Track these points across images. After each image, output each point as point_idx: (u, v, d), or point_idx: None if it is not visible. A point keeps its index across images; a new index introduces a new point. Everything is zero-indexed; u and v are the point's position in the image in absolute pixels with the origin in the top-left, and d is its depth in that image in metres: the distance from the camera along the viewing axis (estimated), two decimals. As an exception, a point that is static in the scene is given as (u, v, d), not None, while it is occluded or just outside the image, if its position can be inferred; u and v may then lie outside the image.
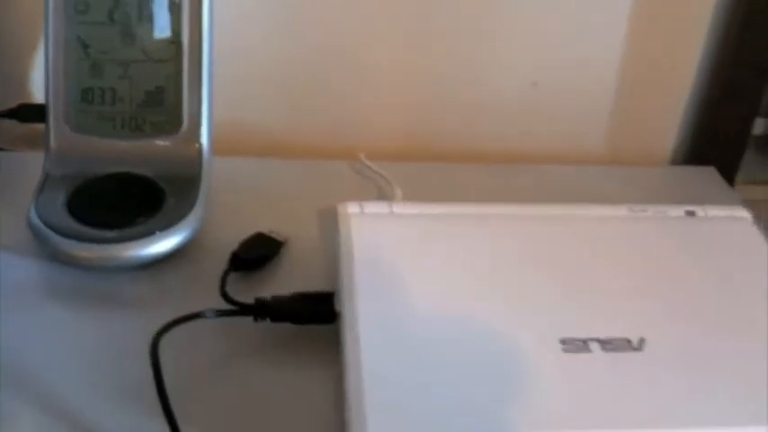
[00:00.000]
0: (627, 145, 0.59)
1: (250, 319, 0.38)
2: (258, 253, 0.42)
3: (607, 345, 0.34)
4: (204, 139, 0.45)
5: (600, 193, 0.51)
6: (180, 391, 0.34)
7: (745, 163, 0.54)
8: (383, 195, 0.49)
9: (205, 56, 0.44)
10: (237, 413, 0.35)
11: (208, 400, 0.36)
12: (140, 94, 0.45)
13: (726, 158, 0.55)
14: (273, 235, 0.44)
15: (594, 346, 0.34)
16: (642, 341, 0.35)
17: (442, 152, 0.56)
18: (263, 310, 0.37)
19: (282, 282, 0.42)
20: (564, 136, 0.58)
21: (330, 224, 0.43)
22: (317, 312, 0.37)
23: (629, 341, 0.35)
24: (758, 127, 0.52)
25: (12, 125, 0.49)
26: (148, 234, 0.41)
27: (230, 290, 0.39)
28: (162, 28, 0.44)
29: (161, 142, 0.45)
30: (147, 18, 0.44)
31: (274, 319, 0.37)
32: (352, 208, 0.41)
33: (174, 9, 0.44)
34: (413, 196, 0.47)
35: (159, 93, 0.45)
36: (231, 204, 0.47)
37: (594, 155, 0.59)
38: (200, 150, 0.45)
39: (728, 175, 0.55)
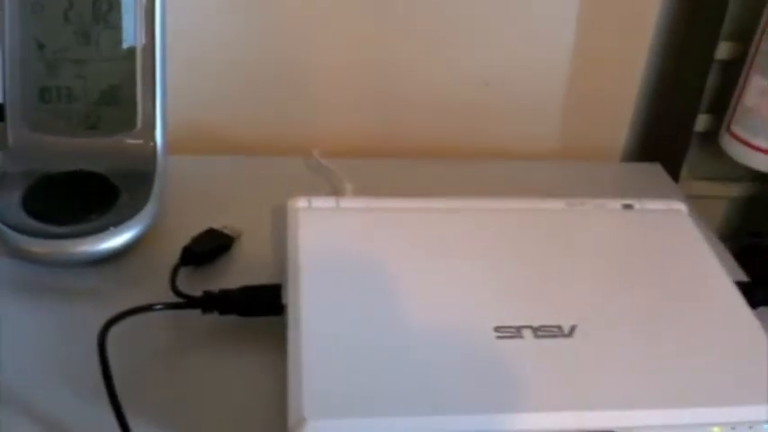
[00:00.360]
0: (579, 142, 0.61)
1: (200, 312, 0.39)
2: (209, 247, 0.43)
3: (539, 331, 0.36)
4: (158, 137, 0.46)
5: (546, 188, 0.53)
6: (130, 382, 0.35)
7: (691, 159, 0.56)
8: (336, 191, 0.50)
9: (158, 54, 0.45)
10: (186, 402, 0.36)
11: (158, 390, 0.37)
12: (95, 93, 0.46)
13: (671, 155, 0.56)
14: (226, 230, 0.45)
15: (527, 332, 0.36)
16: (573, 328, 0.36)
17: (396, 149, 0.58)
18: (210, 302, 0.38)
19: (235, 276, 0.43)
20: (517, 134, 0.60)
21: (282, 220, 0.44)
22: (264, 305, 0.39)
23: (560, 328, 0.36)
24: (701, 124, 0.54)
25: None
26: (102, 230, 0.42)
27: (183, 284, 0.40)
28: (116, 27, 0.45)
29: (116, 140, 0.46)
30: (102, 18, 0.45)
31: (222, 312, 0.39)
32: (300, 203, 0.42)
33: (128, 9, 0.45)
34: (365, 192, 0.48)
35: (114, 91, 0.46)
36: (187, 202, 0.48)
37: (548, 152, 0.61)
38: (154, 148, 0.46)
39: (674, 171, 0.56)
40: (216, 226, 0.45)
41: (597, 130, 0.60)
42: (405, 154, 0.57)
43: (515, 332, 0.36)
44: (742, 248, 0.50)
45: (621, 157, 0.62)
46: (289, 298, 0.37)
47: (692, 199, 0.55)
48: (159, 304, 0.37)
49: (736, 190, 0.58)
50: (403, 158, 0.55)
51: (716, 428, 0.34)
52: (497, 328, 0.36)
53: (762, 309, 0.42)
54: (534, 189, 0.51)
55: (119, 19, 0.45)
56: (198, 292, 0.39)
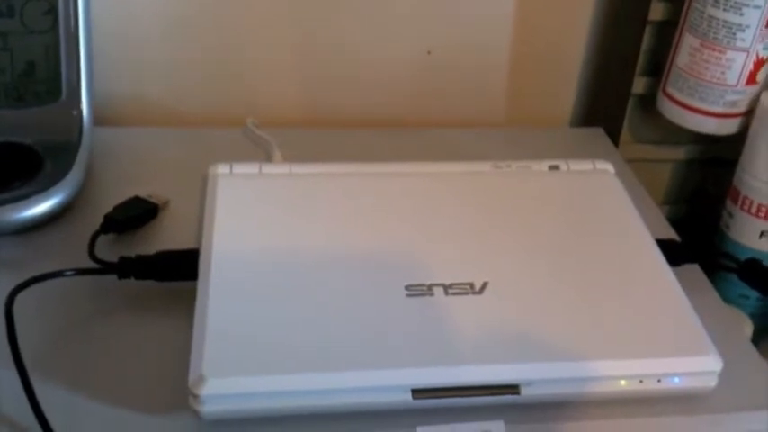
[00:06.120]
0: (528, 108, 0.60)
1: (117, 278, 0.39)
2: (131, 214, 0.43)
3: (450, 289, 0.36)
4: (84, 108, 0.46)
5: (486, 156, 0.52)
6: (44, 351, 0.35)
7: (632, 123, 0.56)
8: (269, 160, 0.50)
9: (81, 25, 0.45)
10: (99, 369, 0.36)
11: (71, 357, 0.36)
12: (20, 65, 0.46)
13: (612, 119, 0.56)
14: (152, 199, 0.45)
15: (438, 290, 0.36)
16: (485, 285, 0.36)
17: (339, 120, 0.58)
18: (126, 268, 0.38)
19: (161, 244, 0.42)
20: (463, 102, 0.59)
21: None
22: (181, 269, 0.38)
23: (471, 285, 0.36)
24: (640, 86, 0.54)
25: None
26: (24, 197, 0.42)
27: (108, 253, 0.40)
28: (39, -1, 0.45)
29: (41, 111, 0.46)
30: (25, -11, 0.45)
31: (138, 277, 0.39)
32: (221, 169, 0.42)
33: (51, -20, 0.45)
34: (300, 161, 0.48)
35: (38, 63, 0.46)
36: (117, 172, 0.48)
37: (495, 120, 0.60)
38: (79, 118, 0.46)
39: (616, 135, 0.56)
40: (143, 195, 0.45)
41: (544, 95, 0.60)
42: (348, 125, 0.57)
43: (426, 290, 0.36)
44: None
45: (571, 122, 0.62)
46: (201, 261, 0.37)
47: (636, 163, 0.55)
48: (70, 270, 0.37)
49: (681, 153, 0.57)
50: (346, 128, 0.55)
51: (623, 381, 0.34)
52: (408, 287, 0.36)
53: (687, 266, 0.43)
54: (476, 157, 0.51)
55: (42, -10, 0.45)
56: (119, 260, 0.39)
